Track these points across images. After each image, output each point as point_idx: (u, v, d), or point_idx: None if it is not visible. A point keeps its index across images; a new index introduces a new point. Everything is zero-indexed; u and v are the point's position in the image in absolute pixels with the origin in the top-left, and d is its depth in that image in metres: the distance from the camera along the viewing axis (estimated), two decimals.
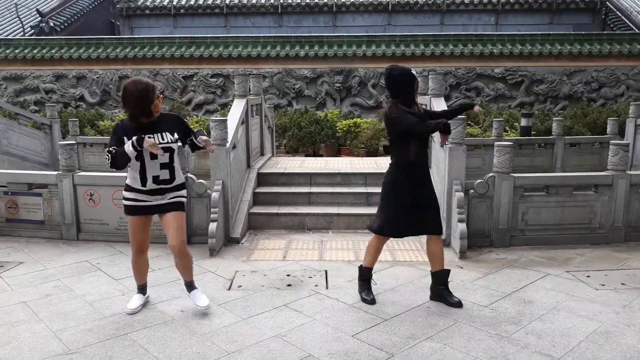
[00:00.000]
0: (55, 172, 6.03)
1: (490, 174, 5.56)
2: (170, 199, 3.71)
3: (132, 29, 20.33)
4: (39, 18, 18.08)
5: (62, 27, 18.62)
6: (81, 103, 15.39)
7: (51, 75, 15.35)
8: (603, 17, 19.57)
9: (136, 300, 3.96)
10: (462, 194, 5.44)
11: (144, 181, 3.62)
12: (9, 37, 17.36)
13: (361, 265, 4.20)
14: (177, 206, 3.74)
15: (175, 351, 3.30)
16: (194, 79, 15.11)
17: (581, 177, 6.02)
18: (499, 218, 5.51)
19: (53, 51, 15.26)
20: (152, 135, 3.55)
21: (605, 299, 4.11)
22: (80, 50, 15.31)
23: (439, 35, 15.74)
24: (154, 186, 3.64)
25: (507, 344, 3.37)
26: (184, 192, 3.82)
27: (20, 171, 7.04)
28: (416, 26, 19.17)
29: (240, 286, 4.42)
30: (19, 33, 18.21)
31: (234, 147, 6.26)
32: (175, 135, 3.66)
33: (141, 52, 15.15)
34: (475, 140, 10.29)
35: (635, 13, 18.40)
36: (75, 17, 19.60)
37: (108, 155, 3.51)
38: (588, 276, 4.61)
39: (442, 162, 5.97)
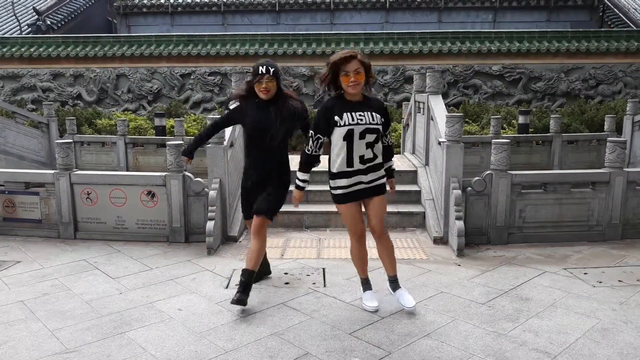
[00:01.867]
0: (52, 171, 6.01)
1: (488, 172, 5.56)
2: (370, 182, 3.68)
3: (129, 27, 20.30)
4: (36, 16, 18.02)
5: (59, 25, 18.56)
6: (78, 101, 15.36)
7: (48, 73, 15.31)
8: (600, 14, 19.58)
9: (372, 298, 3.90)
10: (459, 191, 5.44)
11: (350, 162, 3.60)
12: (6, 35, 17.29)
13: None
14: (380, 190, 3.75)
15: (172, 350, 3.30)
16: (192, 77, 15.08)
17: (578, 174, 6.02)
18: (496, 215, 5.52)
19: (50, 49, 15.21)
20: (363, 114, 3.55)
21: (603, 296, 4.11)
22: (78, 49, 15.27)
23: (436, 32, 15.73)
24: (361, 166, 3.62)
25: (504, 341, 3.37)
26: (382, 173, 3.77)
27: (17, 170, 7.02)
28: (414, 23, 19.18)
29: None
30: (15, 31, 18.15)
31: (231, 145, 6.26)
32: (382, 119, 3.64)
33: (138, 51, 15.10)
34: (472, 137, 10.29)
35: (633, 10, 18.41)
36: (72, 16, 19.54)
37: (309, 142, 3.64)
38: (585, 273, 4.62)
39: (439, 160, 5.97)
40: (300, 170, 3.77)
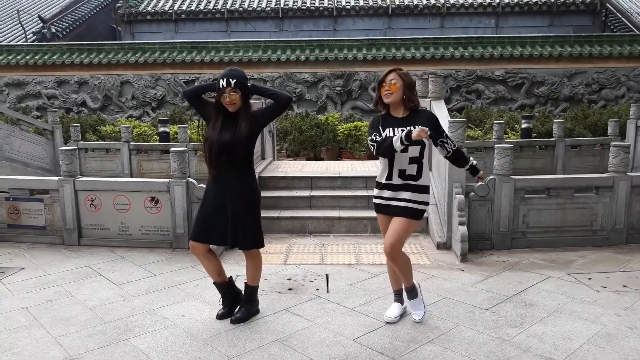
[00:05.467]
0: (56, 178, 6.04)
1: (491, 177, 5.56)
2: (403, 201, 3.55)
3: (133, 34, 20.40)
4: (41, 24, 18.16)
5: (64, 33, 18.69)
6: (83, 108, 15.45)
7: (53, 80, 15.42)
8: (603, 18, 19.57)
9: (392, 309, 3.83)
10: (462, 196, 5.44)
11: (389, 175, 3.57)
12: (11, 43, 17.43)
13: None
14: (406, 213, 3.56)
15: (176, 356, 3.30)
16: (196, 83, 15.13)
17: (582, 179, 6.01)
18: (499, 220, 5.51)
19: (55, 57, 15.32)
20: (404, 129, 3.44)
21: (607, 301, 4.09)
22: (82, 56, 15.37)
23: (439, 38, 15.76)
24: (400, 181, 3.55)
25: (508, 347, 3.36)
26: (423, 198, 3.59)
27: (21, 177, 7.06)
28: (416, 29, 19.19)
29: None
30: (21, 39, 18.30)
31: None
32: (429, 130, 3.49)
33: (142, 58, 15.20)
34: (475, 142, 10.29)
35: (636, 14, 18.39)
36: (77, 23, 19.68)
37: (373, 145, 3.52)
38: (589, 278, 4.60)
39: (442, 165, 5.97)
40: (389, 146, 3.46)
